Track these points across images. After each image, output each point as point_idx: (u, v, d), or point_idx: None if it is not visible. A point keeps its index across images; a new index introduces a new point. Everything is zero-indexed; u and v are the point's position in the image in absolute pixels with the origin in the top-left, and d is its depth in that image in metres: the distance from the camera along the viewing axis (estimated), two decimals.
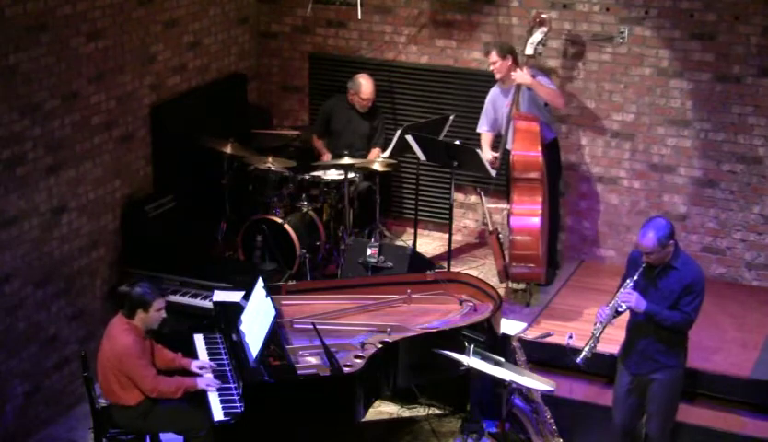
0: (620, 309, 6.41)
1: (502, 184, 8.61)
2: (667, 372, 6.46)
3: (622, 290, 6.37)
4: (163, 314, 6.61)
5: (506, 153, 8.26)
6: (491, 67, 8.34)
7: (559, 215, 8.70)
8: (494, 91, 8.49)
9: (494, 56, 8.28)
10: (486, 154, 8.41)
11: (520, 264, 8.05)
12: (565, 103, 8.57)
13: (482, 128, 8.59)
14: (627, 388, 6.62)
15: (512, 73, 8.16)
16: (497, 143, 8.53)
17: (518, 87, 8.13)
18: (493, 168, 8.30)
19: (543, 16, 8.23)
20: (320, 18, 9.65)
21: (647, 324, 6.37)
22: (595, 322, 6.45)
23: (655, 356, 6.44)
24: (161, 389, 6.46)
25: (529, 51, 8.18)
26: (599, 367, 7.17)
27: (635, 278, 6.34)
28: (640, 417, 6.72)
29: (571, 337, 6.84)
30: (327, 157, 9.15)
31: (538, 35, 8.18)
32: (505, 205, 8.28)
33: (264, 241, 8.58)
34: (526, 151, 8.00)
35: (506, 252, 8.19)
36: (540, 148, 7.98)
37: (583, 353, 6.44)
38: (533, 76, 8.11)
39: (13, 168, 7.15)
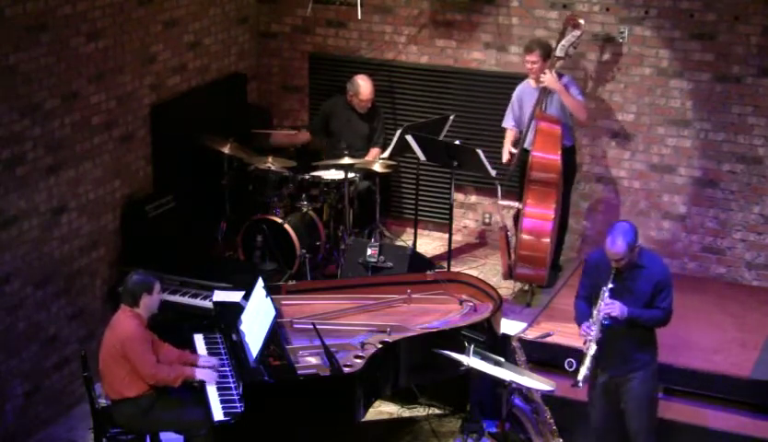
0: (605, 322, 6.30)
1: (511, 184, 8.59)
2: (645, 370, 6.46)
3: (600, 302, 6.28)
4: (161, 295, 6.71)
5: (524, 152, 8.22)
6: (528, 65, 8.20)
7: (567, 221, 8.66)
8: (524, 87, 8.39)
9: (535, 56, 8.15)
10: (506, 150, 8.38)
11: (526, 265, 8.06)
12: (588, 118, 8.49)
13: (508, 123, 8.51)
14: (603, 388, 6.59)
15: (542, 75, 8.11)
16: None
17: (545, 89, 8.10)
18: (507, 164, 8.29)
19: (579, 20, 8.17)
20: (319, 18, 9.64)
21: (623, 327, 6.32)
22: (584, 341, 6.37)
23: (634, 356, 6.43)
24: (160, 376, 6.49)
25: (560, 52, 8.13)
26: None
27: (610, 286, 6.27)
28: (618, 417, 6.63)
29: (571, 365, 6.89)
30: (304, 136, 9.40)
31: (570, 37, 8.12)
32: (516, 204, 8.26)
33: (264, 241, 8.57)
34: (546, 153, 7.97)
35: (512, 251, 8.19)
36: (559, 152, 7.97)
37: (582, 374, 6.33)
38: (564, 84, 8.07)
39: (13, 168, 7.14)
